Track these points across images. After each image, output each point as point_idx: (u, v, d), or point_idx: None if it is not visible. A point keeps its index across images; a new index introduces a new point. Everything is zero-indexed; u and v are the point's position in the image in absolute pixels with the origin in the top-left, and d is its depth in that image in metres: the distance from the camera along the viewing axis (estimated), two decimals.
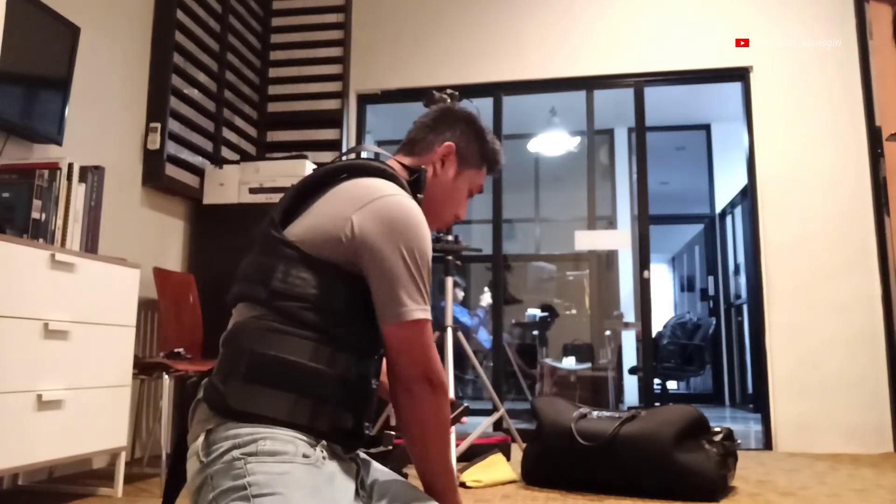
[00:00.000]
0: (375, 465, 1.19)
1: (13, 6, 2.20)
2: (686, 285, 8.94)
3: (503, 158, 1.38)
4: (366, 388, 1.12)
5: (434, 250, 3.03)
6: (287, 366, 1.02)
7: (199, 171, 3.68)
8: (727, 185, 6.57)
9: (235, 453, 0.97)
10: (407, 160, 1.29)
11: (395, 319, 1.05)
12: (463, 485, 2.64)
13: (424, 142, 1.29)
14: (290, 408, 1.01)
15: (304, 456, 1.00)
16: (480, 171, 1.34)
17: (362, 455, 1.17)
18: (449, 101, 3.12)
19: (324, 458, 1.02)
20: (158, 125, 3.34)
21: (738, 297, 6.55)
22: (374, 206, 1.08)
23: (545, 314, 6.15)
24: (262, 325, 1.04)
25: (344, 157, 1.23)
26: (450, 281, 3.11)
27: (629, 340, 6.29)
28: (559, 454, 2.61)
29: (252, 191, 3.60)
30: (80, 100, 2.82)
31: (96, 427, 2.32)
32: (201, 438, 1.02)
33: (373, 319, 1.08)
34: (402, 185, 1.18)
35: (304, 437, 1.01)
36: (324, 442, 1.03)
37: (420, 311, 1.06)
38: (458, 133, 1.30)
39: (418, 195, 1.23)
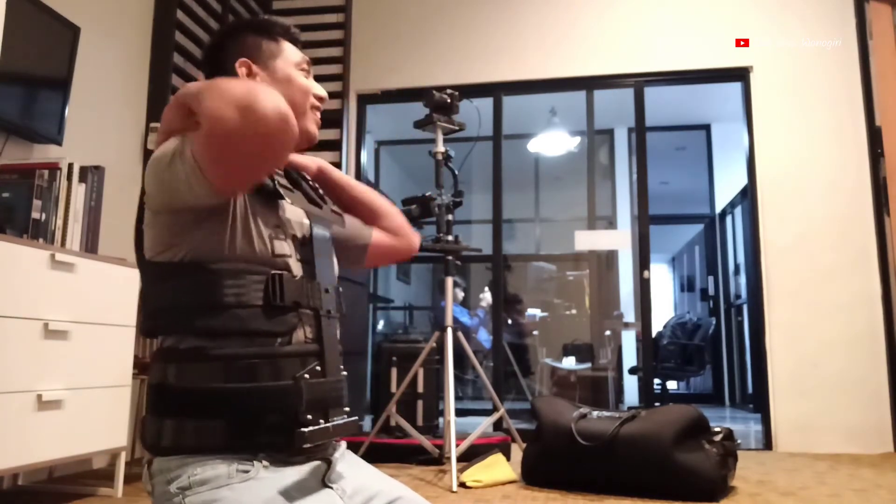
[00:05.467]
0: (353, 459, 1.11)
1: (13, 6, 2.20)
2: (686, 285, 8.94)
3: (281, 19, 1.27)
4: (283, 383, 0.96)
5: (434, 250, 3.03)
6: (174, 391, 0.94)
7: None
8: (727, 185, 6.57)
9: (172, 488, 0.92)
10: None
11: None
12: (463, 485, 2.64)
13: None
14: (203, 433, 0.92)
15: (243, 472, 0.92)
16: (286, 44, 1.24)
17: (339, 451, 1.08)
18: (448, 100, 3.12)
19: (265, 467, 0.93)
20: (158, 125, 3.34)
21: (738, 297, 6.55)
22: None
23: (545, 314, 6.16)
24: (154, 354, 1.01)
25: None
26: (450, 281, 3.11)
27: (629, 340, 6.29)
28: (559, 454, 2.61)
29: None
30: (80, 100, 2.82)
31: (96, 427, 2.32)
32: (144, 469, 0.99)
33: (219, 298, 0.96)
34: None
35: (235, 456, 0.92)
36: (261, 455, 0.94)
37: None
38: (241, 45, 1.18)
39: None
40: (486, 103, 4.35)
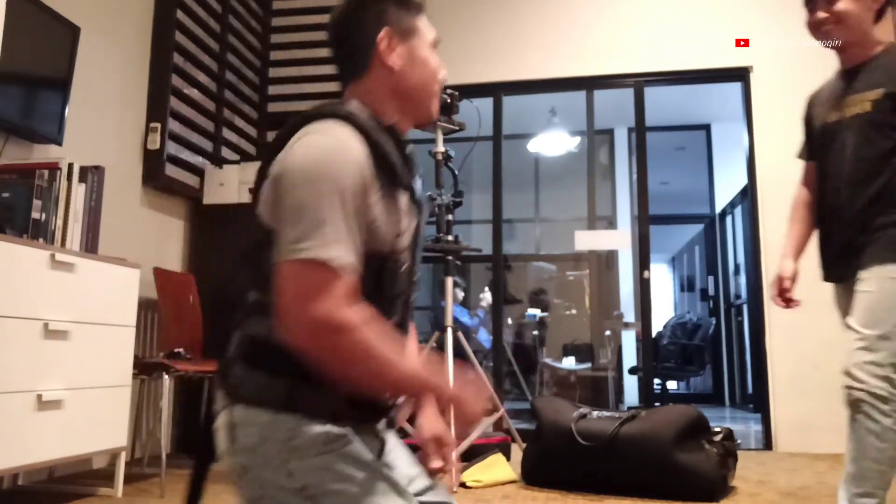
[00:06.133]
0: (395, 442, 1.15)
1: (13, 6, 2.20)
2: (686, 285, 8.94)
3: None
4: None
5: (434, 250, 3.03)
6: (273, 346, 0.95)
7: (199, 171, 3.68)
8: (727, 185, 6.57)
9: (271, 448, 0.94)
10: (358, 84, 1.11)
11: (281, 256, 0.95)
12: (463, 485, 2.64)
13: (359, 51, 1.10)
14: (295, 391, 0.96)
15: (339, 436, 0.96)
16: (418, 26, 1.13)
17: (387, 433, 1.13)
18: (449, 100, 3.12)
19: (353, 434, 0.98)
20: (158, 125, 3.34)
21: (738, 297, 6.55)
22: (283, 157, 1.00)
23: (545, 313, 6.16)
24: (253, 307, 1.02)
25: None
26: (450, 281, 3.11)
27: (629, 340, 6.29)
28: (559, 454, 2.61)
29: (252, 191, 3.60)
30: (80, 100, 2.82)
31: (96, 427, 2.32)
32: (224, 417, 0.99)
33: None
34: (344, 115, 1.02)
35: (323, 420, 0.96)
36: (343, 421, 0.98)
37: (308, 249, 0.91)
38: (382, 16, 1.10)
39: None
40: (486, 103, 4.35)
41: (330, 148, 0.96)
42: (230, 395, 1.00)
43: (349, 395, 0.98)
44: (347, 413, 0.98)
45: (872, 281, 1.72)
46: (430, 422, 1.17)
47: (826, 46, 1.95)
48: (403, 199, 1.07)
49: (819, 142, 1.93)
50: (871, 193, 1.76)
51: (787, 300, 2.00)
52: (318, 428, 0.95)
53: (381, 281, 1.02)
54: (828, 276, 1.96)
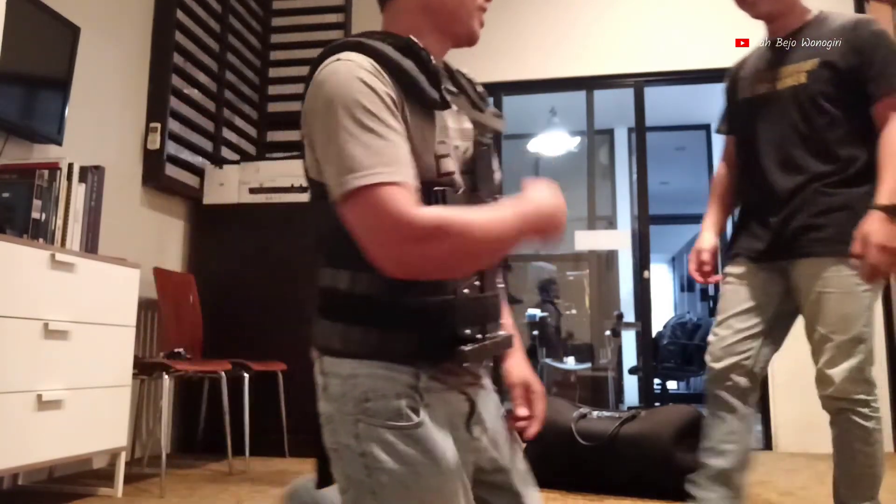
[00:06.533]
0: (491, 398, 1.10)
1: (13, 6, 2.20)
2: (686, 285, 8.95)
3: None
4: (442, 297, 0.95)
5: None
6: (343, 297, 0.96)
7: (199, 171, 3.68)
8: None
9: (348, 404, 0.93)
10: (390, 5, 1.12)
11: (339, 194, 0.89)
12: None
13: None
14: (368, 340, 0.94)
15: (411, 410, 0.92)
16: None
17: (485, 386, 1.08)
18: None
19: (426, 405, 0.93)
20: (158, 125, 3.34)
21: None
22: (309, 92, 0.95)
23: (545, 314, 6.15)
24: (322, 260, 1.01)
25: None
26: None
27: (629, 340, 6.29)
28: (559, 454, 2.61)
29: (252, 191, 3.60)
30: (80, 100, 2.83)
31: (96, 427, 2.32)
32: (317, 366, 0.99)
33: None
34: (359, 45, 0.97)
35: (403, 370, 0.93)
36: (423, 376, 0.94)
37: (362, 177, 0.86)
38: None
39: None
40: None
41: (339, 75, 0.91)
42: (315, 346, 1.00)
43: (428, 338, 0.94)
44: (427, 355, 0.95)
45: (831, 280, 1.62)
46: (519, 367, 1.15)
47: (753, 17, 1.88)
48: (442, 117, 1.00)
49: (745, 114, 1.82)
50: (811, 170, 1.66)
51: (705, 273, 1.88)
52: (394, 402, 0.92)
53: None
54: (749, 253, 1.80)
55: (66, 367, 2.18)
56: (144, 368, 2.69)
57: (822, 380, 1.65)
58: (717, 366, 1.77)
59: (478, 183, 1.05)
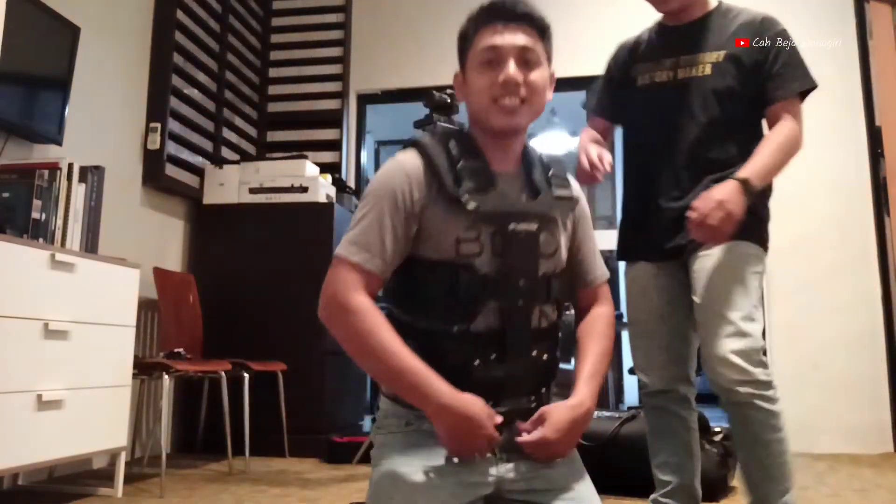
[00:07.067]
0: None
1: (13, 6, 2.20)
2: None
3: (486, 2, 1.23)
4: (444, 353, 1.11)
5: None
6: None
7: (199, 171, 3.68)
8: None
9: (378, 415, 1.23)
10: None
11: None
12: None
13: None
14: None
15: (407, 424, 1.15)
16: (477, 38, 1.20)
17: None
18: (448, 100, 3.12)
19: (427, 421, 1.10)
20: (158, 125, 3.34)
21: None
22: None
23: None
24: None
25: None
26: None
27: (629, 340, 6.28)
28: None
29: (252, 191, 3.60)
30: (80, 100, 2.82)
31: (96, 427, 2.32)
32: None
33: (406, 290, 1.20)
34: (419, 142, 1.19)
35: (408, 409, 1.14)
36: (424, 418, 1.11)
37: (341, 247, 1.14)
38: (460, 58, 1.26)
39: (456, 120, 1.28)
40: None
41: (386, 170, 1.17)
42: None
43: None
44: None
45: (722, 258, 1.55)
46: (555, 406, 1.24)
47: (663, 11, 1.82)
48: (466, 207, 1.12)
49: (640, 102, 1.74)
50: (709, 162, 1.60)
51: (593, 174, 1.68)
52: (392, 408, 1.18)
53: (451, 284, 1.12)
54: (648, 253, 1.70)
55: (66, 367, 2.18)
56: (144, 368, 2.69)
57: (721, 362, 1.53)
58: (655, 384, 1.71)
59: (507, 266, 1.15)
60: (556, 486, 1.14)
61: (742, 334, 1.52)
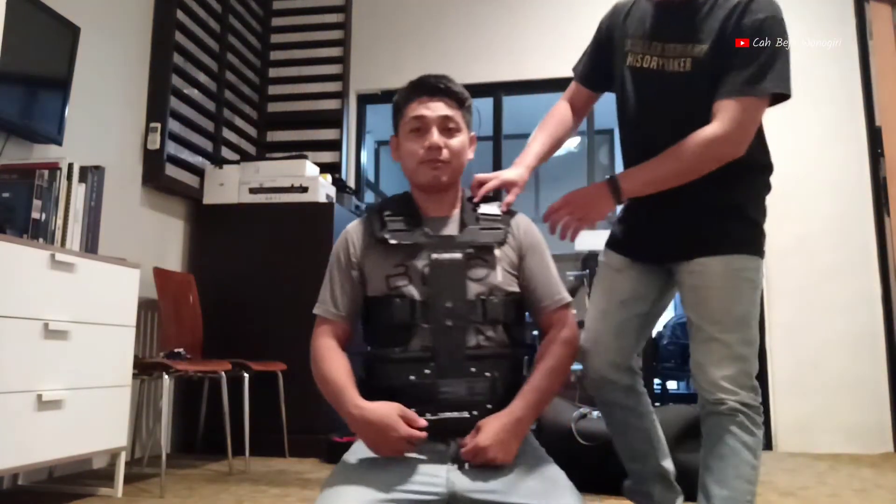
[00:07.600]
0: None
1: (13, 6, 2.20)
2: None
3: (414, 80, 1.48)
4: (394, 382, 1.34)
5: None
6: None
7: (199, 171, 3.68)
8: None
9: None
10: None
11: None
12: None
13: None
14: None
15: None
16: (406, 109, 1.44)
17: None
18: None
19: None
20: (158, 125, 3.34)
21: None
22: None
23: None
24: None
25: None
26: None
27: None
28: (559, 454, 2.59)
29: (252, 191, 3.60)
30: (80, 100, 2.82)
31: (96, 427, 2.32)
32: None
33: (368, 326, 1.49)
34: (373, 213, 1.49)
35: None
36: None
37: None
38: (394, 118, 1.51)
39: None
40: (486, 103, 4.35)
41: (337, 242, 1.49)
42: None
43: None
44: None
45: (717, 277, 1.47)
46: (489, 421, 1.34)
47: None
48: (393, 248, 1.38)
49: (630, 82, 1.62)
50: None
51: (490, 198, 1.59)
52: None
53: (387, 314, 1.36)
54: (635, 253, 1.66)
55: (66, 367, 2.18)
56: (144, 368, 2.69)
57: (711, 383, 1.50)
58: (595, 369, 1.65)
59: (434, 291, 1.35)
60: (515, 490, 1.25)
61: (736, 358, 1.47)
